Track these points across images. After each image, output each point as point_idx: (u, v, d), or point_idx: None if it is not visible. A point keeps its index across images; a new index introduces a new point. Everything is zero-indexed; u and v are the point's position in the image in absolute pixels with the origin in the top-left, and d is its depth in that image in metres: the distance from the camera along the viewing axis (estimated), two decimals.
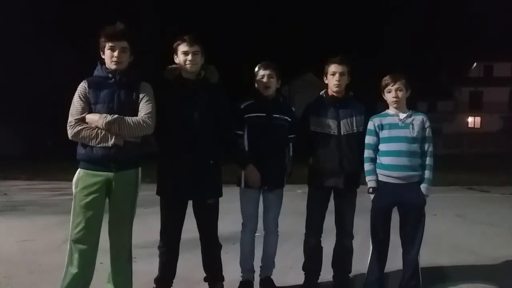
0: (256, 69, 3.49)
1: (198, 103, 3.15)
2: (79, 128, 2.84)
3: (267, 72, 3.43)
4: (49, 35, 24.10)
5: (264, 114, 3.43)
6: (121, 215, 3.00)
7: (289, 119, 3.51)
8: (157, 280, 3.29)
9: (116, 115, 2.84)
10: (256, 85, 3.50)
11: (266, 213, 3.53)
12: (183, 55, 3.15)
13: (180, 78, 3.21)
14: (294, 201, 4.23)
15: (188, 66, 3.15)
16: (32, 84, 24.15)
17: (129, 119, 2.87)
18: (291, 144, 3.56)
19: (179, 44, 3.17)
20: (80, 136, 2.84)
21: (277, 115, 3.45)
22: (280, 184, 3.52)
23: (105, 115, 2.83)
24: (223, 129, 3.27)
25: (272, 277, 3.60)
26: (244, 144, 3.44)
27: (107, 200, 2.97)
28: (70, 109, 2.90)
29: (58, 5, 25.32)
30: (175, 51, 3.21)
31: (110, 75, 2.94)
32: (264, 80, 3.43)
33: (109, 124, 2.81)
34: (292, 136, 3.55)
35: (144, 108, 2.94)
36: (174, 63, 3.25)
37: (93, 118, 2.85)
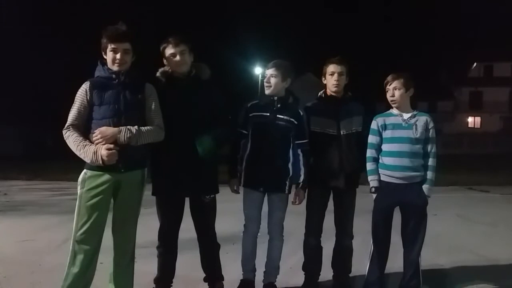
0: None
1: (191, 101, 3.16)
2: (68, 134, 2.84)
3: (269, 71, 3.42)
4: (49, 35, 24.13)
5: (268, 114, 3.38)
6: (126, 215, 3.00)
7: (296, 122, 3.38)
8: (156, 280, 3.30)
9: (135, 128, 2.82)
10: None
11: (269, 216, 3.47)
12: (171, 57, 3.15)
13: (171, 78, 3.22)
14: None
15: (177, 67, 3.16)
16: (32, 84, 24.18)
17: (145, 131, 2.88)
18: (300, 150, 3.42)
19: (165, 48, 3.18)
20: (68, 142, 2.83)
21: (281, 116, 3.37)
22: (281, 187, 3.40)
23: (123, 129, 2.79)
24: (222, 123, 3.22)
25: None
26: (245, 147, 3.42)
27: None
28: (70, 109, 2.89)
29: (59, 5, 25.36)
30: (162, 55, 3.22)
31: (113, 76, 2.91)
32: (265, 80, 3.43)
33: (129, 139, 2.80)
34: (302, 141, 3.41)
35: (157, 117, 2.98)
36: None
37: (108, 132, 2.79)
